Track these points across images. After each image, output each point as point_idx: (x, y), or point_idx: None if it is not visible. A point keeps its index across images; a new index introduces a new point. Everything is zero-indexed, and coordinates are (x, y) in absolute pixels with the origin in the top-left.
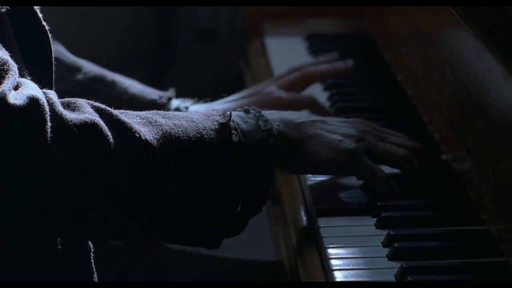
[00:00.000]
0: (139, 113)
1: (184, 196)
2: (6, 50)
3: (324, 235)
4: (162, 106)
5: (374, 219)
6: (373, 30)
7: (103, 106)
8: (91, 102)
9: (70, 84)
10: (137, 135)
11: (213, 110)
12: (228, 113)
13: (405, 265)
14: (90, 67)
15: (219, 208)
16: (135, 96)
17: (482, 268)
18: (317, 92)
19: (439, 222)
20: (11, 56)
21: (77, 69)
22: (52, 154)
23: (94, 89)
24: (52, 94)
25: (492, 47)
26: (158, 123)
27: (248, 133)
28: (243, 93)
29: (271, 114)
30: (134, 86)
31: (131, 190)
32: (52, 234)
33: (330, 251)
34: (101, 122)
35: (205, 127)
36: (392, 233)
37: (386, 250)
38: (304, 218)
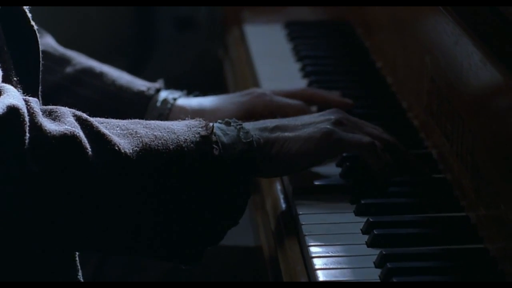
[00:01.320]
0: (121, 122)
1: (163, 209)
2: None
3: (303, 222)
4: (150, 97)
5: (354, 206)
6: (353, 17)
7: (84, 116)
8: (73, 111)
9: (58, 77)
10: (116, 147)
11: (196, 120)
12: (210, 125)
13: (384, 252)
14: (79, 59)
15: (197, 220)
16: (122, 87)
17: (461, 255)
18: (297, 79)
19: (418, 209)
20: (1, 59)
21: (66, 61)
22: (29, 166)
23: (82, 81)
24: (34, 102)
25: (470, 33)
26: (139, 135)
27: (229, 145)
28: (237, 93)
29: (248, 125)
30: (122, 77)
31: (109, 203)
32: (29, 244)
33: (309, 238)
34: (80, 134)
35: (186, 139)
36: (371, 220)
37: (365, 237)
38: (283, 206)
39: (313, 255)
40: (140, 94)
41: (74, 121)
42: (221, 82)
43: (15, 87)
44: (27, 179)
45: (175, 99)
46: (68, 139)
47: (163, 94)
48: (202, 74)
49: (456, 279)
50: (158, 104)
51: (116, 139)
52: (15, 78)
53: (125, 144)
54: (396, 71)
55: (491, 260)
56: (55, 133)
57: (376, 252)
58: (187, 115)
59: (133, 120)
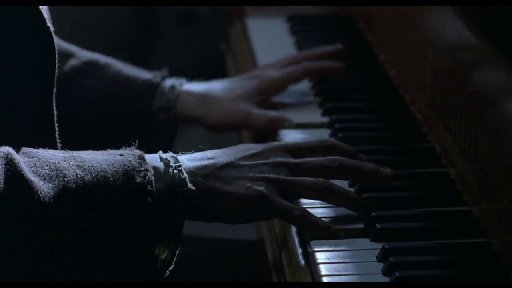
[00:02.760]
0: (53, 159)
1: (86, 255)
2: (3, 50)
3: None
4: (157, 84)
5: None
6: (355, 11)
7: (11, 156)
8: (2, 150)
9: (64, 70)
10: (36, 195)
11: (136, 157)
12: (148, 170)
13: (386, 246)
14: (82, 52)
15: (122, 265)
16: (129, 77)
17: (464, 249)
18: None
19: (421, 203)
20: (8, 57)
21: (70, 55)
22: None
23: (88, 72)
24: None
25: (473, 26)
26: (66, 179)
27: (161, 193)
28: (243, 76)
29: (184, 164)
30: (127, 68)
31: (24, 249)
32: None
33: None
34: None
35: (117, 186)
36: (374, 214)
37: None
38: None
39: (316, 249)
40: (147, 82)
41: None
42: (223, 76)
43: (22, 88)
44: None
45: (181, 85)
46: None
47: (170, 82)
48: (205, 68)
49: (459, 273)
50: (166, 90)
51: (38, 183)
52: (23, 78)
53: (46, 190)
54: (398, 64)
55: (494, 254)
56: None
57: (378, 246)
58: (196, 99)
59: (69, 155)
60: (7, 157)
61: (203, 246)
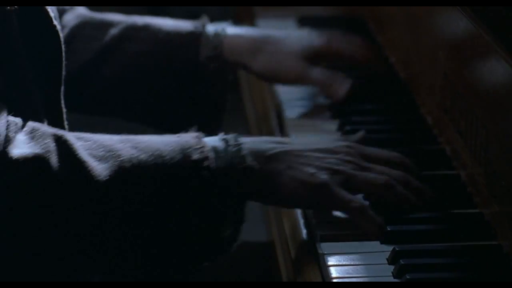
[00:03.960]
0: (109, 141)
1: (144, 235)
2: (10, 50)
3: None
4: (199, 34)
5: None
6: (366, 12)
7: (65, 137)
8: (54, 132)
9: (105, 40)
10: (91, 173)
11: (193, 136)
12: (205, 148)
13: (397, 249)
14: (119, 18)
15: (182, 247)
16: (170, 32)
17: (474, 251)
18: None
19: (432, 205)
20: (14, 57)
21: (108, 25)
22: None
23: (129, 37)
24: (13, 125)
25: (484, 28)
26: (121, 159)
27: (221, 170)
28: (305, 32)
29: (246, 144)
30: (167, 23)
31: (81, 229)
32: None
33: (322, 235)
34: (50, 158)
35: (174, 164)
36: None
37: None
38: None
39: (326, 251)
40: (190, 34)
41: (50, 143)
42: (233, 77)
43: (29, 85)
44: None
45: (224, 29)
46: (33, 163)
47: (212, 28)
48: None
49: (469, 276)
50: (211, 38)
51: (93, 163)
52: (29, 76)
53: (102, 169)
54: (409, 66)
55: (505, 256)
56: (20, 158)
57: (389, 248)
58: (245, 42)
59: (125, 137)
60: (61, 138)
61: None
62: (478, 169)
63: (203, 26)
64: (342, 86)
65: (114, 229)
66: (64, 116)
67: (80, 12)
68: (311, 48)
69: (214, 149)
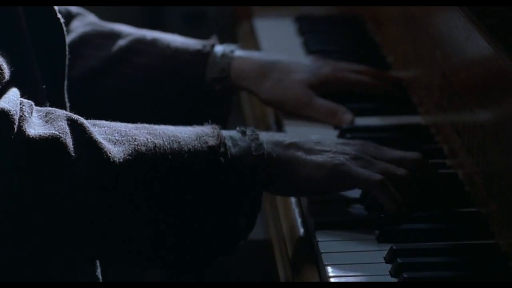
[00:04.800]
0: (125, 128)
1: (159, 219)
2: (19, 43)
3: (314, 217)
4: (207, 54)
5: (364, 202)
6: (364, 11)
7: (80, 120)
8: (69, 115)
9: (113, 50)
10: (105, 155)
11: (209, 127)
12: (223, 134)
13: (394, 247)
14: (128, 30)
15: (198, 233)
16: (178, 49)
17: (472, 250)
18: None
19: (429, 204)
20: (21, 50)
21: (117, 35)
22: (9, 171)
23: (137, 50)
24: (27, 105)
25: (482, 28)
26: (136, 142)
27: (237, 157)
28: (311, 59)
29: (263, 136)
30: (175, 39)
31: (95, 210)
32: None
33: (320, 233)
34: (66, 139)
35: (190, 149)
36: (382, 215)
37: (376, 232)
38: (293, 200)
39: (324, 250)
40: (198, 53)
41: (65, 125)
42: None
43: (35, 77)
44: (9, 185)
45: (232, 51)
46: (49, 143)
47: (220, 49)
48: None
49: (467, 275)
50: (218, 59)
51: (108, 146)
52: (34, 69)
53: (117, 152)
54: (407, 66)
55: (502, 255)
56: (36, 137)
57: (386, 247)
58: (252, 67)
59: (140, 125)
60: (77, 122)
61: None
62: (476, 168)
63: (212, 46)
64: (347, 115)
65: (128, 213)
66: (68, 110)
67: (91, 19)
68: (318, 76)
69: (231, 138)
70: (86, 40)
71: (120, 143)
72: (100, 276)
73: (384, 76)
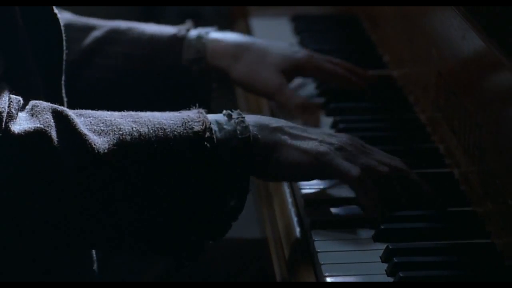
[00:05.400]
0: (109, 117)
1: (146, 207)
2: (14, 38)
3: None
4: (182, 38)
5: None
6: (359, 11)
7: (65, 112)
8: (54, 107)
9: (87, 42)
10: (90, 146)
11: (195, 112)
12: (208, 119)
13: (390, 247)
14: (103, 22)
15: (185, 219)
16: (153, 35)
17: (468, 249)
18: None
19: (425, 203)
20: (17, 45)
21: (91, 28)
22: None
23: (112, 39)
24: (15, 102)
25: (477, 27)
26: (121, 132)
27: (223, 141)
28: (286, 45)
29: (249, 118)
30: (150, 27)
31: (81, 201)
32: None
33: (315, 232)
34: (50, 132)
35: (176, 135)
36: None
37: (371, 231)
38: (289, 200)
39: (320, 249)
40: (173, 38)
41: (50, 118)
42: (217, 85)
43: (30, 71)
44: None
45: (208, 33)
46: (34, 138)
47: (195, 32)
48: None
49: (463, 274)
50: (193, 42)
51: (92, 137)
52: (30, 62)
53: (102, 143)
54: (403, 65)
55: (498, 254)
56: (21, 133)
57: (382, 246)
58: (226, 48)
59: (126, 113)
60: (61, 114)
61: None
62: (472, 168)
63: (187, 30)
64: (315, 116)
65: (116, 202)
66: (65, 105)
67: (66, 15)
68: (293, 60)
69: (217, 122)
70: None
71: (105, 133)
72: (96, 271)
73: (361, 74)
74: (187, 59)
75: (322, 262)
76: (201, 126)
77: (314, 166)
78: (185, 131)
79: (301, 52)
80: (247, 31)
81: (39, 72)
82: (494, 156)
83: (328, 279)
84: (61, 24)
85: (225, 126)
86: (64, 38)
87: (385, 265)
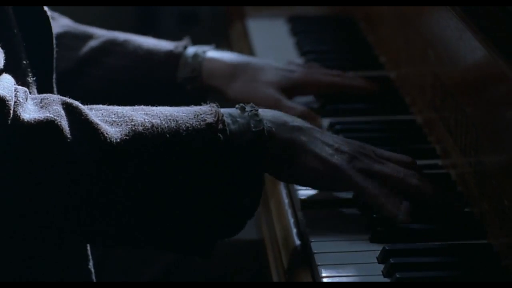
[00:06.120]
0: (121, 110)
1: (158, 200)
2: (9, 36)
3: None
4: (179, 54)
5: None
6: (356, 11)
7: (75, 104)
8: (63, 99)
9: (84, 51)
10: (102, 136)
11: (208, 106)
12: (221, 111)
13: (387, 248)
14: (101, 32)
15: (199, 213)
16: (150, 50)
17: (465, 250)
18: None
19: (422, 204)
20: (11, 41)
21: (89, 36)
22: (7, 156)
23: (108, 50)
24: (21, 92)
25: (474, 28)
26: (133, 123)
27: (236, 134)
28: (284, 63)
29: (265, 113)
30: (148, 41)
31: (94, 192)
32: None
33: (312, 232)
34: (61, 122)
35: (188, 127)
36: (374, 216)
37: (368, 233)
38: (286, 201)
39: (316, 250)
40: (169, 54)
41: (60, 109)
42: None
43: (25, 70)
44: (8, 169)
45: (205, 52)
46: (44, 126)
47: (192, 49)
48: None
49: (460, 275)
50: (190, 60)
51: (105, 127)
52: (24, 62)
53: (114, 133)
54: (399, 65)
55: (495, 255)
56: (31, 121)
57: (379, 247)
58: (222, 67)
59: (137, 107)
60: (72, 105)
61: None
62: (468, 168)
63: (184, 47)
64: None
65: (127, 194)
66: None
67: (64, 22)
68: (290, 79)
69: (230, 114)
70: (58, 41)
71: (117, 124)
72: (92, 270)
73: (358, 82)
74: (182, 77)
75: (319, 263)
76: (213, 118)
77: (329, 178)
78: (197, 123)
79: (298, 72)
80: (243, 32)
81: (31, 69)
82: (491, 157)
83: (325, 280)
84: (59, 27)
85: (238, 119)
86: (54, 35)
87: (382, 266)
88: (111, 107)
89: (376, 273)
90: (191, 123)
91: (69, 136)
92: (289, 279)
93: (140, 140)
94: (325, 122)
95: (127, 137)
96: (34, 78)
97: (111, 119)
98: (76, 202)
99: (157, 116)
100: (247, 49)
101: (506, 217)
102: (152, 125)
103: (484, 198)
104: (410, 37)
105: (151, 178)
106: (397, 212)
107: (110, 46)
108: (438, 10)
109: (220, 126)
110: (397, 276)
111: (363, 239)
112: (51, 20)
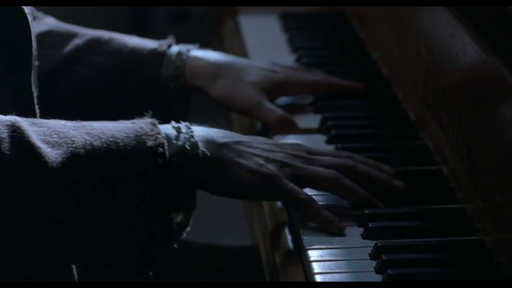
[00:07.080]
0: (63, 128)
1: (94, 220)
2: None
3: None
4: (163, 53)
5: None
6: (348, 8)
7: (19, 124)
8: (7, 119)
9: (68, 49)
10: (43, 160)
11: (148, 123)
12: (160, 134)
13: (379, 244)
14: (85, 31)
15: (138, 231)
16: (135, 48)
17: (457, 247)
18: None
19: (414, 200)
20: None
21: (73, 35)
22: None
23: (93, 48)
24: None
25: (466, 24)
26: (75, 145)
27: (173, 157)
28: (266, 64)
29: (198, 132)
30: (132, 39)
31: (33, 215)
32: None
33: (304, 230)
34: (2, 145)
35: (128, 150)
36: (366, 212)
37: (361, 230)
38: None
39: (308, 247)
40: (153, 52)
41: (3, 130)
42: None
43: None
44: None
45: (189, 50)
46: None
47: (176, 48)
48: None
49: (452, 271)
50: (173, 57)
51: (46, 150)
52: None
53: (55, 156)
54: (391, 62)
55: (487, 252)
56: None
57: (371, 244)
58: (205, 66)
59: (79, 124)
60: (14, 125)
61: (196, 249)
62: (460, 165)
63: (168, 45)
64: (292, 132)
65: (68, 216)
66: (35, 100)
67: (49, 21)
68: (273, 79)
69: (167, 137)
70: (42, 40)
71: (59, 146)
72: (75, 273)
73: (342, 81)
74: (166, 75)
75: (311, 260)
76: (154, 141)
77: (261, 188)
78: (138, 145)
79: (281, 72)
80: (235, 29)
81: (6, 66)
82: (483, 153)
83: (317, 276)
84: (43, 26)
85: (174, 142)
86: (34, 35)
87: (374, 263)
88: (53, 123)
89: (368, 270)
90: (131, 145)
91: (10, 159)
92: (281, 276)
93: (81, 164)
94: (318, 118)
95: (68, 161)
96: (11, 78)
97: (53, 139)
98: (17, 223)
99: (98, 137)
100: (239, 46)
101: (498, 214)
102: (93, 148)
103: (476, 194)
104: (402, 34)
105: (91, 200)
106: (332, 219)
107: (94, 44)
108: (430, 6)
109: (160, 150)
110: (390, 272)
111: (355, 235)
112: (30, 19)
